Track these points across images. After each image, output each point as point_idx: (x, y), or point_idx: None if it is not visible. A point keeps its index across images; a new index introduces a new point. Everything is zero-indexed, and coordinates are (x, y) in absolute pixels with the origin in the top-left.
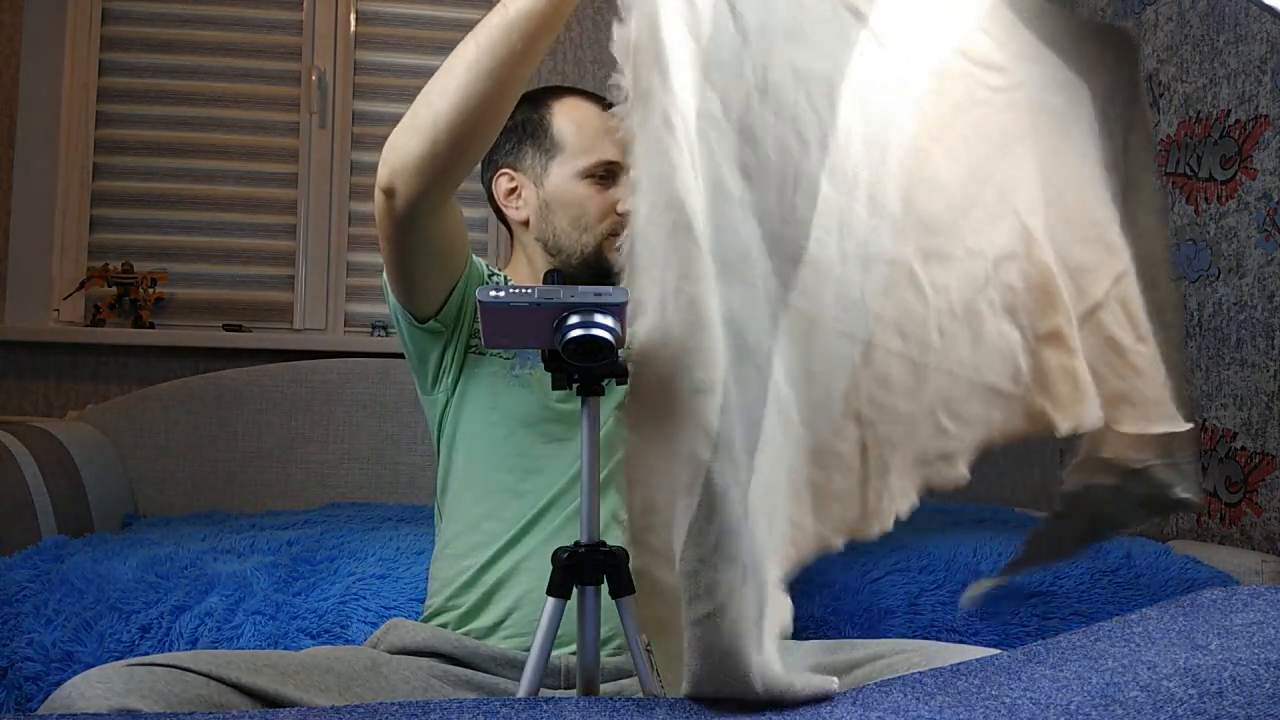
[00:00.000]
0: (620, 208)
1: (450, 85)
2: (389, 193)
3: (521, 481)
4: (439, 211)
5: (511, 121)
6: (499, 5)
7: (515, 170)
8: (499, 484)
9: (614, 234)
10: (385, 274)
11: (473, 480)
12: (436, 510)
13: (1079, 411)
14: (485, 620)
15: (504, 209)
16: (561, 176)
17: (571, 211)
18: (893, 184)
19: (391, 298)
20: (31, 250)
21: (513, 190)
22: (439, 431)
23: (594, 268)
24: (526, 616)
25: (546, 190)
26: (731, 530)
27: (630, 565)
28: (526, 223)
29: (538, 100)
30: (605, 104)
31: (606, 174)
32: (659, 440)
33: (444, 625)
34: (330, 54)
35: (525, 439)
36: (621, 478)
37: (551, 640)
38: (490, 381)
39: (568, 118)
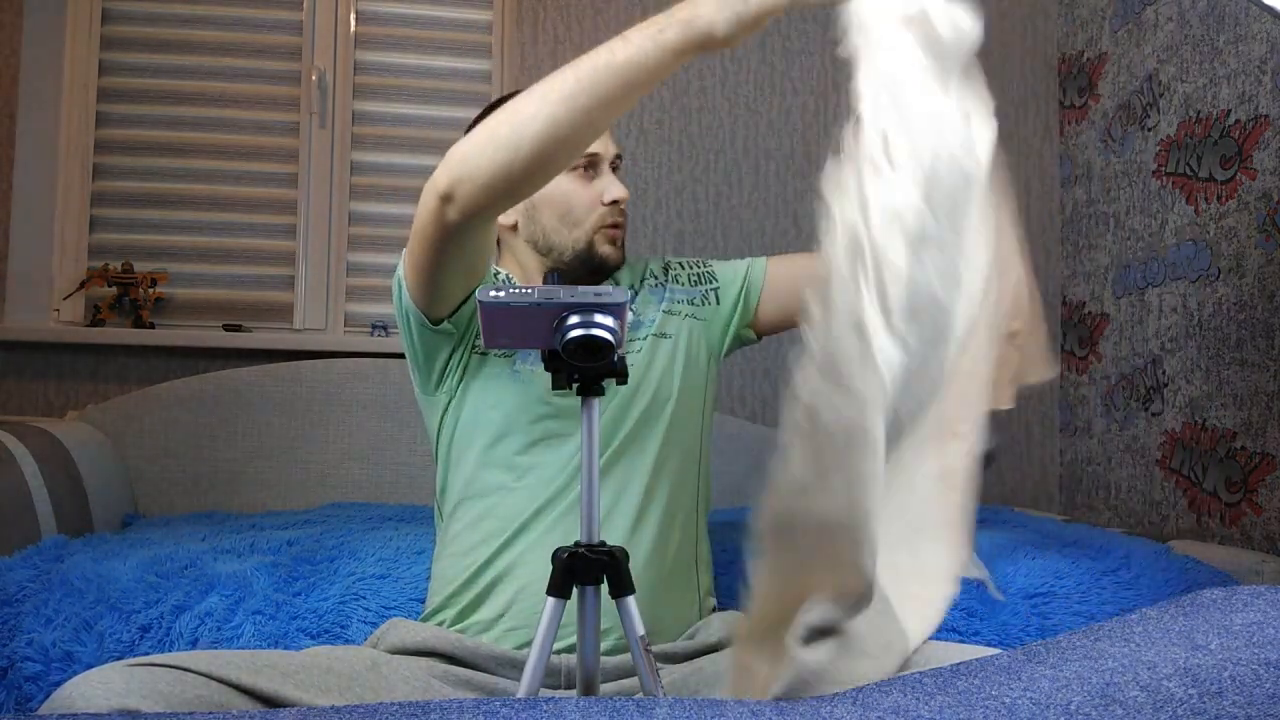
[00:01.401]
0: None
1: (542, 112)
2: (446, 198)
3: (521, 479)
4: (490, 223)
5: None
6: (605, 47)
7: None
8: (499, 482)
9: (603, 226)
10: (402, 273)
11: (473, 479)
12: (437, 510)
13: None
14: (484, 614)
15: None
16: None
17: (558, 208)
18: (971, 239)
19: (405, 298)
20: (31, 250)
21: None
22: (438, 432)
23: (587, 262)
24: (526, 610)
25: None
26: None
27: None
28: (514, 226)
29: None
30: None
31: (589, 166)
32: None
33: (443, 622)
34: (330, 54)
35: (524, 436)
36: (627, 468)
37: (552, 640)
38: (491, 381)
39: None
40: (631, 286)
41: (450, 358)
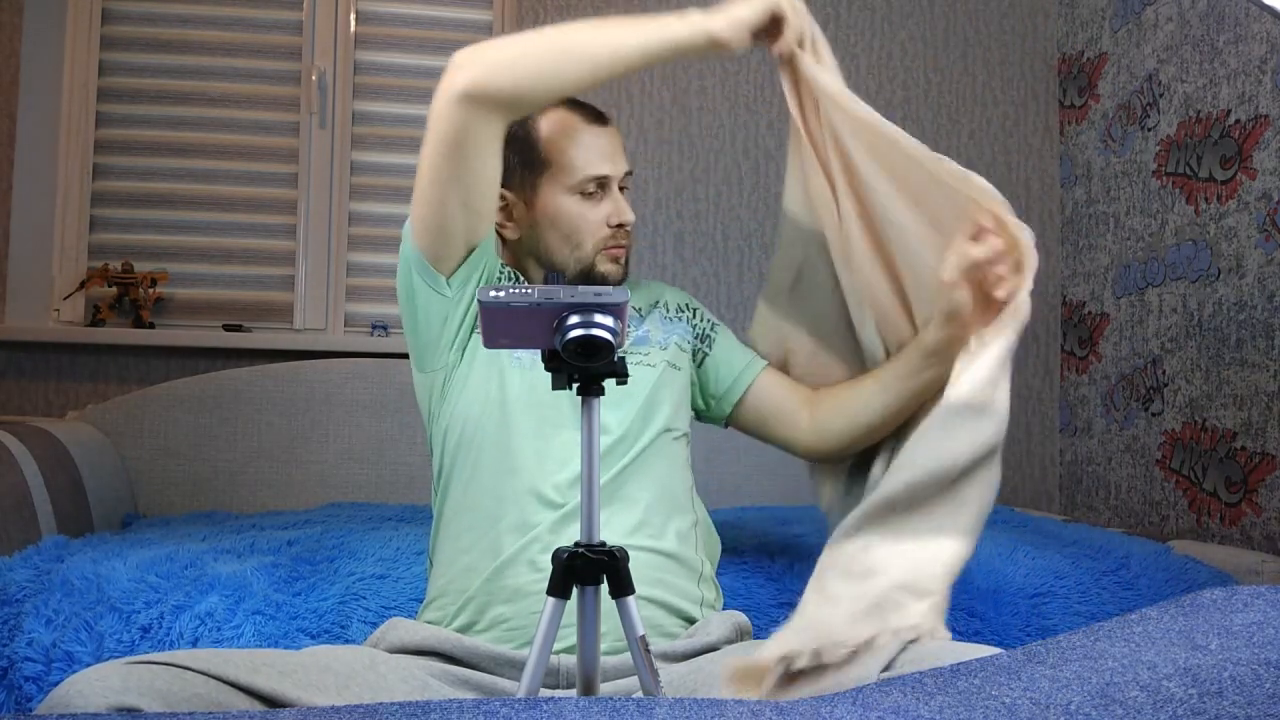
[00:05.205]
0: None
1: (571, 58)
2: (472, 91)
3: (521, 469)
4: (493, 145)
5: None
6: (642, 27)
7: (504, 188)
8: (497, 471)
9: (606, 248)
10: (409, 226)
11: (469, 466)
12: (434, 493)
13: None
14: (486, 611)
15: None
16: (551, 194)
17: (563, 229)
18: None
19: (410, 245)
20: (31, 250)
21: (503, 207)
22: (434, 415)
23: (588, 280)
24: (524, 609)
25: (536, 209)
26: None
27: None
28: (519, 239)
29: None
30: (594, 115)
31: (599, 187)
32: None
33: (443, 614)
34: (330, 54)
35: (525, 423)
36: (634, 486)
37: (552, 640)
38: (493, 364)
39: (555, 132)
40: (639, 310)
41: (451, 328)
